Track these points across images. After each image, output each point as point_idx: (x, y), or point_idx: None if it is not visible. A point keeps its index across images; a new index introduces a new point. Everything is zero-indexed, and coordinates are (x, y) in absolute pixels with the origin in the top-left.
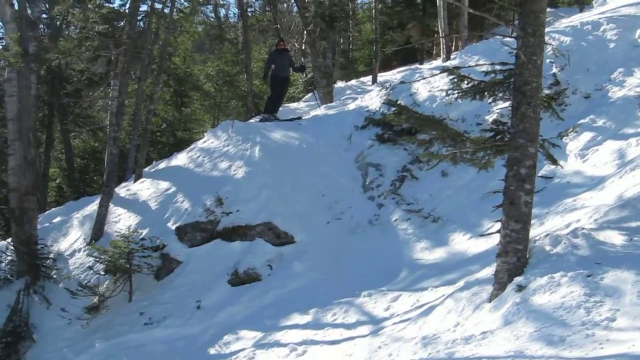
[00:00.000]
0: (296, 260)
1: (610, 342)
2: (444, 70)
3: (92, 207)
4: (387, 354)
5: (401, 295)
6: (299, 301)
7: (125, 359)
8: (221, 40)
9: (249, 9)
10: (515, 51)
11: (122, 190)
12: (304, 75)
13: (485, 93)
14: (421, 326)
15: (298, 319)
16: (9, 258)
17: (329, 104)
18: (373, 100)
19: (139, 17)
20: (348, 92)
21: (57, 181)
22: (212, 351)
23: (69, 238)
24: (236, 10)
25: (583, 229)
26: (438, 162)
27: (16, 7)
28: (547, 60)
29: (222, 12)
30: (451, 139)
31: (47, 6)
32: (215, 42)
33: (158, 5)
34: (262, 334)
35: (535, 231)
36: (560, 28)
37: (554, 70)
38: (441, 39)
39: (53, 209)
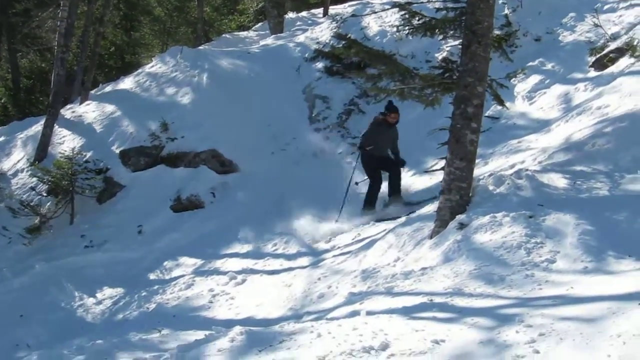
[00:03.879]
0: (239, 189)
1: (549, 284)
2: (395, 5)
3: (37, 127)
4: (326, 285)
5: (343, 228)
6: (240, 230)
7: (64, 281)
8: None
9: None
10: None
11: (67, 112)
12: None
13: (436, 30)
14: (361, 260)
15: (238, 247)
16: None
17: (279, 35)
18: (323, 32)
19: None
20: (298, 23)
21: (2, 100)
22: (151, 276)
23: (12, 158)
24: None
25: (527, 170)
26: (386, 97)
27: None
28: (500, 1)
29: None
30: (400, 74)
31: None
32: None
33: None
34: (202, 262)
35: (480, 170)
36: None
37: (506, 11)
38: None
39: None
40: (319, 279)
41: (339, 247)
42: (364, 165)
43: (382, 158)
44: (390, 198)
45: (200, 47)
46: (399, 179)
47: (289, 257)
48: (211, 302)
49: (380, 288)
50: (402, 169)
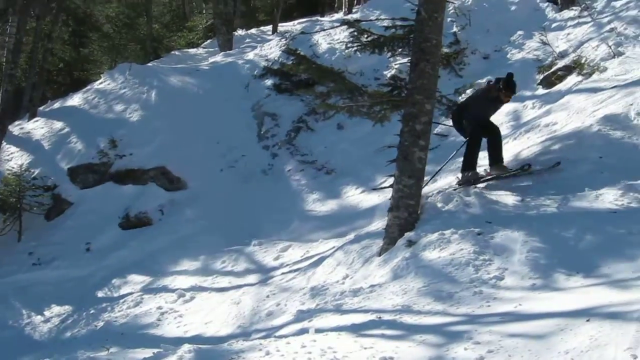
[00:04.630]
0: (188, 206)
1: (498, 300)
2: (344, 22)
3: None
4: (275, 303)
5: (291, 245)
6: (188, 247)
7: (12, 298)
8: None
9: None
10: (416, 7)
11: (15, 129)
12: None
13: (385, 48)
14: (310, 277)
15: (187, 265)
16: None
17: (228, 52)
18: (272, 49)
19: None
20: (248, 40)
21: None
22: (100, 294)
23: None
24: None
25: (475, 187)
26: (334, 114)
27: None
28: (448, 19)
29: None
30: (349, 91)
31: None
32: None
33: None
34: (151, 279)
35: (428, 187)
36: None
37: (455, 29)
38: None
39: None
40: (268, 296)
41: (287, 265)
42: (474, 128)
43: (487, 124)
44: (492, 168)
45: (149, 64)
46: (500, 145)
47: (238, 274)
48: (160, 319)
49: (329, 305)
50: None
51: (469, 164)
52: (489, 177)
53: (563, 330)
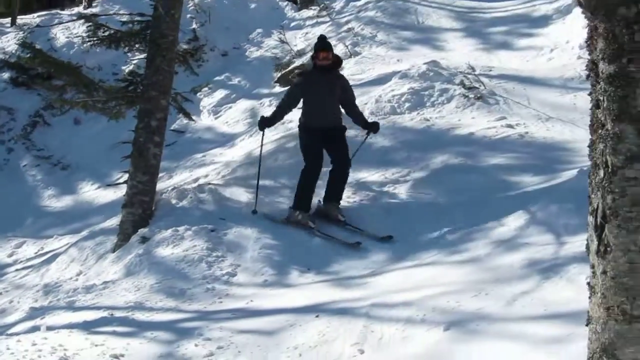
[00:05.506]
0: None
1: (230, 297)
2: (81, 16)
3: None
4: (8, 300)
5: (26, 242)
6: None
7: None
8: None
9: None
10: (154, 3)
11: None
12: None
13: (122, 43)
14: (44, 274)
15: None
16: None
17: None
18: (10, 42)
19: None
20: None
21: None
22: None
23: None
24: None
25: (210, 184)
26: (69, 109)
27: None
28: (188, 16)
29: None
30: (84, 86)
31: None
32: None
33: None
34: None
35: (164, 184)
36: None
37: (194, 25)
38: None
39: None
40: (1, 293)
41: (21, 261)
42: (300, 142)
43: (325, 131)
44: (325, 205)
45: None
46: (343, 174)
47: None
48: None
49: (62, 303)
50: (369, 138)
51: (300, 199)
52: (323, 235)
53: (292, 326)
